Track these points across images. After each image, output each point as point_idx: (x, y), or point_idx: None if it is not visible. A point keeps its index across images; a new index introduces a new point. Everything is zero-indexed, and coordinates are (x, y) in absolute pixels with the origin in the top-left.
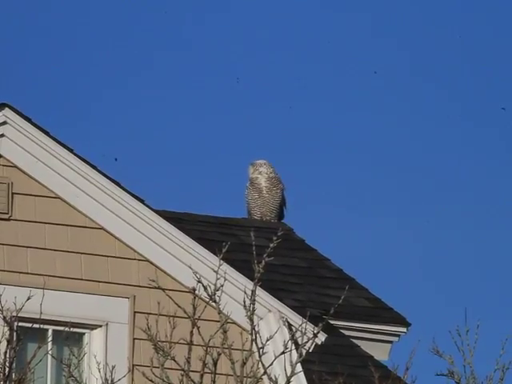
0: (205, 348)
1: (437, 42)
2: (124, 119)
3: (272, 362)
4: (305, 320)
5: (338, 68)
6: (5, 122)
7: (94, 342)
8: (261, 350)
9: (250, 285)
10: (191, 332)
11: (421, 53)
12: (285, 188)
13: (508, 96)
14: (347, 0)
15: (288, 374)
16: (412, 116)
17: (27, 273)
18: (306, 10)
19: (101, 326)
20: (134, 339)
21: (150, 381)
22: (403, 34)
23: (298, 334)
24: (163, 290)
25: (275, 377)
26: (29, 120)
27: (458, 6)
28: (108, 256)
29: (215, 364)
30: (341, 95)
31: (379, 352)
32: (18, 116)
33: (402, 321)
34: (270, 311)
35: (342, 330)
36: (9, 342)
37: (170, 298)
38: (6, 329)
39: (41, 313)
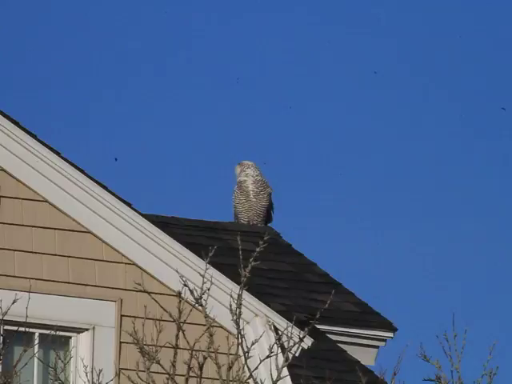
0: (190, 352)
1: (437, 42)
2: (117, 121)
3: (257, 366)
4: (291, 324)
5: (338, 68)
6: None
7: (80, 345)
8: (247, 354)
9: (236, 289)
10: (177, 336)
11: (421, 53)
12: (273, 191)
13: (508, 96)
14: (347, 0)
15: (274, 379)
16: (412, 116)
17: (14, 276)
18: (305, 9)
19: (87, 330)
20: (121, 343)
21: None
22: (403, 34)
23: (284, 338)
24: (149, 293)
25: (261, 381)
26: (17, 124)
27: (457, 6)
28: (95, 259)
29: (201, 368)
30: (341, 95)
31: (365, 357)
32: (6, 120)
33: (388, 326)
34: (256, 315)
35: (328, 335)
36: None
37: (156, 301)
38: None
39: (27, 316)
